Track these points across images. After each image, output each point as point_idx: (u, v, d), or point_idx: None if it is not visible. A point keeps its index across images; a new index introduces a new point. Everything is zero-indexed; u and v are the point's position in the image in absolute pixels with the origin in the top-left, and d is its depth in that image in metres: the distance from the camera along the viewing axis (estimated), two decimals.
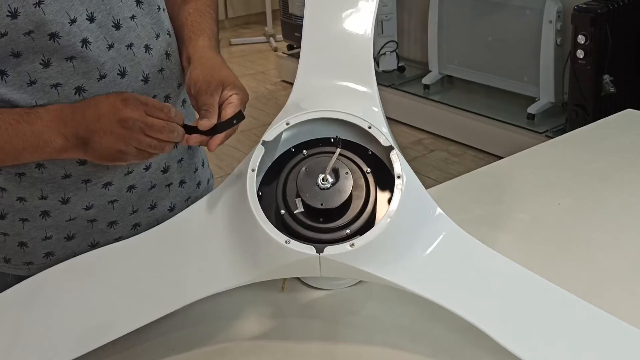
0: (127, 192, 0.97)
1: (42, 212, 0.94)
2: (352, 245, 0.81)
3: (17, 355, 0.84)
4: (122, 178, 0.96)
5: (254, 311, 0.94)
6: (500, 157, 1.40)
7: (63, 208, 0.94)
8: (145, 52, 0.93)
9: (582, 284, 0.93)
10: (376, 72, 3.25)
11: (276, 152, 0.91)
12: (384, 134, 0.88)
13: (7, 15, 0.79)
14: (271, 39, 4.82)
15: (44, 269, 0.93)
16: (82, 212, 0.95)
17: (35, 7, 0.81)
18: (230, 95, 0.88)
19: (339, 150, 0.85)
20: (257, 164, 0.87)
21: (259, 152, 0.87)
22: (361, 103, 0.91)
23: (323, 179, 0.86)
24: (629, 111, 1.53)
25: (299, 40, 1.00)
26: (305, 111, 0.89)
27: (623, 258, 1.02)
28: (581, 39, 2.58)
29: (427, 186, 0.91)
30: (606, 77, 2.59)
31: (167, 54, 0.97)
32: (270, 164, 0.90)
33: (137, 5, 0.93)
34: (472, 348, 0.84)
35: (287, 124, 0.88)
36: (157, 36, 0.95)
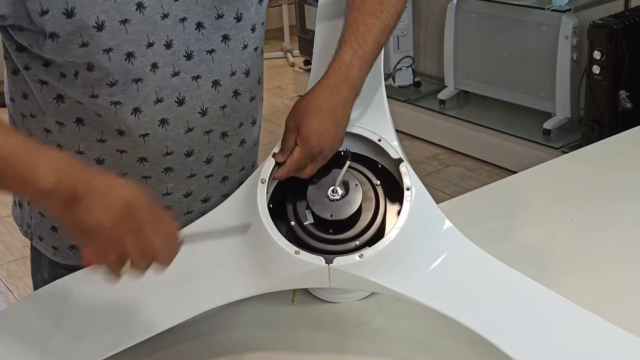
0: (164, 195, 0.97)
1: None
2: (361, 256, 0.82)
3: None
4: (159, 198, 0.97)
5: (264, 323, 0.94)
6: (516, 173, 1.40)
7: None
8: (212, 87, 0.91)
9: (595, 299, 0.93)
10: (392, 87, 3.28)
11: None
12: (393, 147, 0.89)
13: (94, 27, 0.80)
14: (288, 54, 4.84)
15: (66, 259, 0.98)
16: None
17: (120, 24, 0.81)
18: (296, 146, 0.87)
19: (348, 162, 0.86)
20: (268, 175, 0.88)
21: (269, 164, 0.88)
22: (371, 116, 0.92)
23: (333, 191, 0.87)
24: None
25: None
26: None
27: (636, 274, 1.01)
28: (597, 55, 2.57)
29: (442, 201, 0.91)
30: (622, 93, 2.57)
31: (236, 93, 0.94)
32: None
33: (222, 41, 0.90)
34: None
35: None
36: (232, 74, 0.93)
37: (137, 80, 0.86)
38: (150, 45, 0.85)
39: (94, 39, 0.81)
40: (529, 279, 0.84)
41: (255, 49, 0.96)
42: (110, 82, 0.85)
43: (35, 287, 1.05)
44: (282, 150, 0.89)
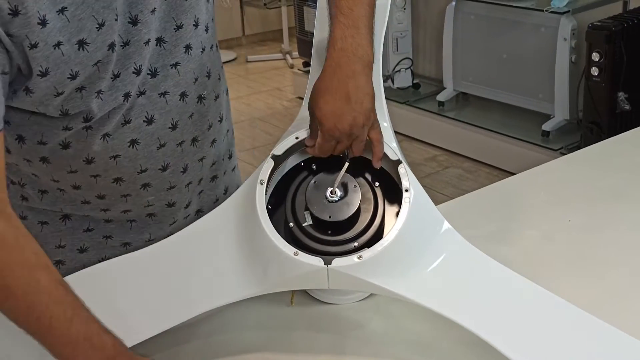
0: (146, 217, 0.98)
1: (63, 216, 0.95)
2: (359, 257, 0.82)
3: None
4: (142, 209, 0.97)
5: (263, 324, 0.94)
6: (515, 175, 1.40)
7: (81, 221, 0.96)
8: (180, 99, 0.89)
9: (593, 300, 0.93)
10: (391, 89, 3.27)
11: (286, 166, 0.92)
12: (392, 148, 0.89)
13: (68, 78, 0.78)
14: (287, 55, 4.85)
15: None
16: (100, 225, 0.96)
17: (93, 66, 0.79)
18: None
19: (347, 164, 0.86)
20: (267, 176, 0.88)
21: (268, 165, 0.88)
22: None
23: (331, 192, 0.87)
24: None
25: None
26: None
27: (634, 275, 1.01)
28: (596, 57, 2.58)
29: (441, 203, 0.91)
30: (621, 95, 2.58)
31: (201, 98, 0.92)
32: (280, 177, 0.91)
33: (185, 52, 0.88)
34: None
35: (297, 138, 0.89)
36: (195, 80, 0.91)
37: (110, 111, 0.84)
38: (116, 77, 0.82)
39: (69, 86, 0.79)
40: (527, 280, 0.84)
41: (212, 47, 0.93)
42: (85, 117, 0.83)
43: None
44: (310, 133, 0.88)
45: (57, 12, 0.74)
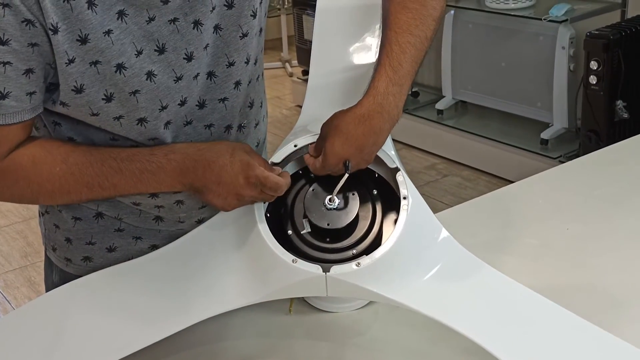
0: (176, 230, 0.98)
1: (96, 214, 0.96)
2: (358, 264, 0.82)
3: None
4: (173, 223, 0.98)
5: (261, 333, 0.94)
6: (514, 183, 1.40)
7: (113, 221, 0.97)
8: (225, 131, 0.91)
9: (591, 308, 0.93)
10: None
11: None
12: (390, 156, 0.89)
13: (102, 99, 0.81)
14: (287, 64, 4.86)
15: (79, 270, 0.97)
16: (130, 227, 0.97)
17: (130, 95, 0.81)
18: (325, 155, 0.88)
19: (347, 175, 0.86)
20: None
21: None
22: None
23: (330, 200, 0.87)
24: None
25: None
26: (313, 133, 0.90)
27: (631, 283, 1.01)
28: (594, 65, 2.59)
29: (440, 211, 0.91)
30: (619, 103, 2.58)
31: (241, 127, 0.94)
32: None
33: (234, 88, 0.90)
34: None
35: (295, 145, 0.90)
36: (239, 111, 0.93)
37: (152, 139, 0.87)
38: (163, 108, 0.84)
39: (104, 109, 0.82)
40: (525, 287, 0.84)
41: (257, 78, 0.96)
42: (126, 138, 0.86)
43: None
44: (314, 147, 0.88)
45: (103, 33, 0.76)
